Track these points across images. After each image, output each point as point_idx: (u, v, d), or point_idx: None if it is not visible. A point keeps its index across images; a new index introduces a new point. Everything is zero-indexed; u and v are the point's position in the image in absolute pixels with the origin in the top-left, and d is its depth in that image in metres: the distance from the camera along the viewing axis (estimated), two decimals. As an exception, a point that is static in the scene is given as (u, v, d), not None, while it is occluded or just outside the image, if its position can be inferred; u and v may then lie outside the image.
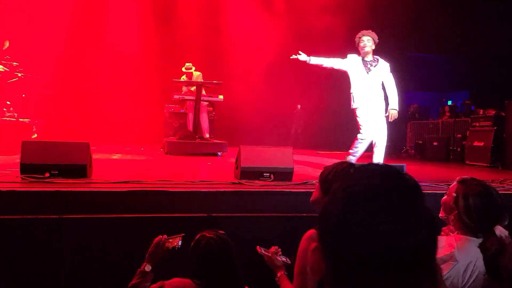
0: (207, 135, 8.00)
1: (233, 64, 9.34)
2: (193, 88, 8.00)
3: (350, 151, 5.24)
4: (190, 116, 7.87)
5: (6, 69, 7.13)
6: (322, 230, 0.78)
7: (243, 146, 4.36)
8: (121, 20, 9.24)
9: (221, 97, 7.74)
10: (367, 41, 5.10)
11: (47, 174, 3.70)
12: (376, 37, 5.15)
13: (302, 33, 9.20)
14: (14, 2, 8.43)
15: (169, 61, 8.95)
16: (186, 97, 7.82)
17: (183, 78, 8.01)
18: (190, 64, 8.13)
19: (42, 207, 3.42)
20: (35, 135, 7.08)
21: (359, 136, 5.16)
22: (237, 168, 4.35)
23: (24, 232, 3.30)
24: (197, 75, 8.13)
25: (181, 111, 8.78)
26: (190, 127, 7.79)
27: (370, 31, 5.18)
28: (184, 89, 8.13)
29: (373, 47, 5.15)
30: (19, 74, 7.33)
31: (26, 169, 3.70)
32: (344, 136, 8.78)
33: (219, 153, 7.34)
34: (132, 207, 3.55)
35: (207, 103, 8.05)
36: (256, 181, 4.04)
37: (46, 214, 3.37)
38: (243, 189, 3.69)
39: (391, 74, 5.23)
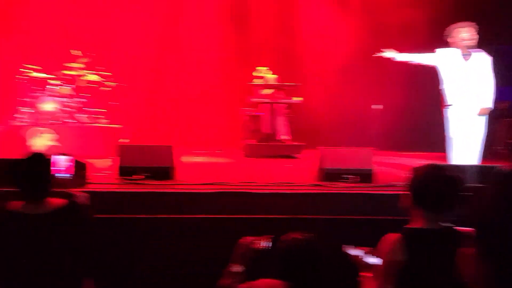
0: (286, 137, 8.07)
1: (309, 65, 9.32)
2: (269, 91, 8.12)
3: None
4: (267, 118, 8.00)
5: (102, 79, 7.78)
6: (486, 237, 0.77)
7: (324, 147, 4.36)
8: (198, 24, 9.57)
9: (299, 98, 7.78)
10: (467, 33, 4.81)
11: (141, 176, 3.98)
12: (476, 29, 4.82)
13: (379, 29, 8.95)
14: (102, 16, 9.10)
15: (245, 63, 9.15)
16: (263, 100, 7.96)
17: (258, 81, 8.16)
18: (265, 67, 8.27)
19: (138, 207, 3.69)
20: (127, 140, 7.60)
21: (450, 135, 4.89)
22: (318, 170, 4.36)
23: (123, 231, 3.56)
24: (272, 77, 8.25)
25: (257, 114, 8.93)
26: (267, 129, 7.92)
27: (469, 22, 4.85)
28: (261, 92, 8.27)
29: (474, 40, 4.83)
30: (111, 84, 7.94)
31: (123, 171, 4.01)
32: (425, 135, 8.39)
33: (297, 155, 7.38)
34: (216, 208, 3.71)
35: (284, 105, 8.13)
36: (338, 183, 4.03)
37: (141, 214, 3.64)
38: (326, 191, 3.70)
39: (490, 69, 4.89)
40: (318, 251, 2.22)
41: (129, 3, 9.33)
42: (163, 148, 4.09)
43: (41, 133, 6.91)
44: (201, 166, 6.07)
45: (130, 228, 3.60)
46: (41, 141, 6.92)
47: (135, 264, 3.55)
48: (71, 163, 2.47)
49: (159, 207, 3.65)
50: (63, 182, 2.44)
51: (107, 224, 3.43)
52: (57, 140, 6.96)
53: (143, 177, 4.03)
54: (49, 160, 2.41)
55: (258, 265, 2.55)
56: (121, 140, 7.34)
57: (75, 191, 2.44)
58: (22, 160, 2.41)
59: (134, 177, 3.97)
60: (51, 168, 2.26)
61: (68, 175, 2.50)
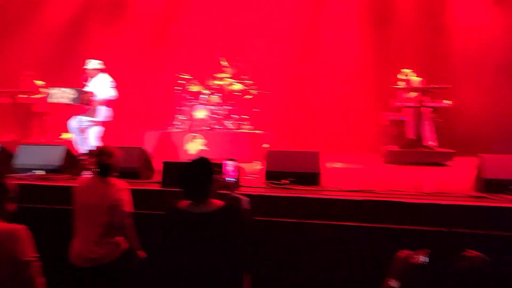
0: (432, 143, 7.53)
1: (460, 66, 8.54)
2: (413, 94, 7.67)
3: None
4: (411, 123, 7.56)
5: (245, 87, 8.23)
6: None
7: (485, 154, 3.94)
8: (338, 26, 9.47)
9: (448, 102, 7.20)
10: None
11: (287, 181, 4.07)
12: None
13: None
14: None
15: (386, 66, 8.79)
16: (407, 104, 7.55)
17: (402, 84, 7.76)
18: (409, 70, 7.83)
19: (284, 211, 3.78)
20: (267, 145, 7.89)
21: None
22: (476, 179, 3.96)
23: (269, 234, 3.67)
24: (416, 80, 7.78)
25: (401, 118, 8.49)
26: (412, 135, 7.49)
27: None
28: (405, 95, 7.86)
29: None
30: (254, 91, 8.34)
31: (270, 175, 4.16)
32: None
33: (446, 163, 6.82)
34: (364, 217, 3.60)
35: (430, 109, 7.60)
36: (503, 195, 3.59)
37: (287, 218, 3.72)
38: (489, 204, 3.33)
39: None
40: (491, 272, 1.99)
41: (269, 12, 9.69)
42: (310, 154, 4.13)
43: (194, 138, 7.58)
44: (343, 172, 5.98)
45: (276, 231, 3.69)
46: (194, 146, 7.59)
47: (280, 266, 3.64)
48: (235, 168, 2.63)
49: (305, 213, 3.68)
50: (229, 185, 2.62)
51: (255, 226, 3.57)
52: (207, 145, 7.55)
53: (288, 182, 4.12)
54: (211, 164, 2.60)
55: (415, 281, 2.39)
56: (264, 146, 7.65)
57: (239, 194, 2.60)
58: (187, 163, 2.64)
59: (282, 181, 4.07)
60: (222, 172, 2.44)
61: (233, 179, 2.67)
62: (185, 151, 7.57)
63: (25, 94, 8.48)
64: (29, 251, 1.91)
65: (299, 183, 4.05)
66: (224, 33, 9.50)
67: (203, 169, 2.58)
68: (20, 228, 1.93)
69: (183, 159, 7.00)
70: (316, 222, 3.63)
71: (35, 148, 4.90)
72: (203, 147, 7.55)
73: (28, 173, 4.30)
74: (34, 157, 4.63)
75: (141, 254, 3.26)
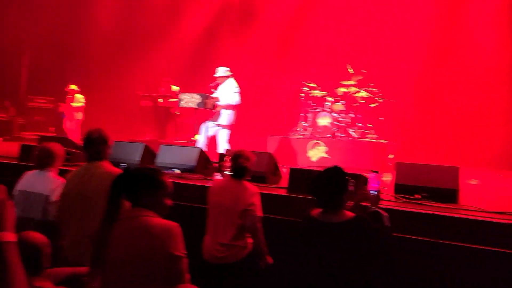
0: None
1: None
2: None
3: None
4: None
5: (370, 95, 7.98)
6: None
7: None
8: (473, 32, 8.70)
9: None
10: None
11: (419, 196, 3.83)
12: None
13: None
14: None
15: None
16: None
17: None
18: None
19: (414, 228, 3.55)
20: (392, 156, 7.55)
21: None
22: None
23: (397, 250, 3.48)
24: None
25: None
26: None
27: None
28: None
29: None
30: (380, 99, 8.05)
31: (399, 189, 3.95)
32: None
33: None
34: (507, 242, 3.23)
35: None
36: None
37: (418, 235, 3.49)
38: None
39: None
40: None
41: (395, 19, 9.28)
42: (448, 169, 3.82)
43: (317, 145, 7.56)
44: (480, 190, 5.44)
45: (405, 248, 3.49)
46: (315, 153, 7.57)
47: (408, 285, 3.43)
48: (378, 181, 2.55)
49: (440, 232, 3.41)
50: (370, 198, 2.54)
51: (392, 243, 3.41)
52: (329, 153, 7.48)
53: (420, 197, 3.87)
54: (345, 174, 2.55)
55: None
56: (389, 156, 7.33)
57: (380, 209, 2.51)
58: (321, 171, 2.62)
59: (408, 196, 3.84)
60: (370, 184, 2.39)
61: (375, 192, 2.59)
62: (307, 157, 7.59)
63: (164, 98, 9.31)
64: (181, 248, 2.05)
65: (433, 199, 3.77)
66: (350, 40, 9.36)
67: (336, 179, 2.54)
68: (174, 225, 2.09)
69: (305, 165, 7.04)
70: (452, 243, 3.34)
71: (173, 148, 5.32)
72: (325, 155, 7.50)
73: (169, 171, 4.66)
74: (172, 157, 5.01)
75: (269, 259, 3.32)
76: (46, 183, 3.29)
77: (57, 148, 3.45)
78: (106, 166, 3.01)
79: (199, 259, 3.27)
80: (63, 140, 5.19)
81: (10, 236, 1.23)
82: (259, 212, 3.24)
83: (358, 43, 9.25)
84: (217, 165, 4.90)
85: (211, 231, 3.32)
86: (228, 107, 6.72)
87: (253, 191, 3.26)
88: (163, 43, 11.02)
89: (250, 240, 3.28)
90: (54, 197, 3.15)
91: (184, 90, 8.64)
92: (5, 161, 5.57)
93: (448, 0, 9.12)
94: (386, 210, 3.69)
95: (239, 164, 3.29)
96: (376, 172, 2.58)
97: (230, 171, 3.36)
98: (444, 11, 9.06)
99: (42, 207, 3.19)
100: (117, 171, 2.99)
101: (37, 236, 2.30)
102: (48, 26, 10.68)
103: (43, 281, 2.24)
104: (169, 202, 2.22)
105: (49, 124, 10.71)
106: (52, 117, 10.72)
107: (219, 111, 6.73)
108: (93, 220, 2.88)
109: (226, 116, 6.74)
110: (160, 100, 9.43)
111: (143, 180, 2.17)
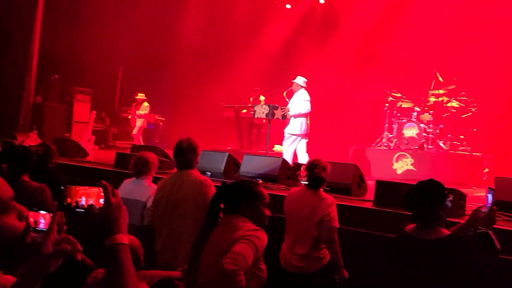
0: None
1: None
2: None
3: None
4: None
5: (462, 104, 7.49)
6: None
7: None
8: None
9: None
10: None
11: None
12: None
13: None
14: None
15: None
16: None
17: None
18: None
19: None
20: (487, 169, 7.00)
21: None
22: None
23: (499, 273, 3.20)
24: None
25: None
26: None
27: None
28: None
29: None
30: (473, 109, 7.52)
31: (500, 206, 3.62)
32: None
33: None
34: None
35: None
36: None
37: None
38: None
39: None
40: None
41: (488, 23, 8.63)
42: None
43: (403, 157, 7.23)
44: None
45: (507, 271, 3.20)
46: (401, 165, 7.24)
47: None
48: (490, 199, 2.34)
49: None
50: (482, 217, 2.33)
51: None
52: (415, 165, 7.11)
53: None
54: (443, 188, 2.39)
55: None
56: (485, 170, 6.81)
57: (491, 231, 2.31)
58: (416, 185, 2.48)
59: (509, 214, 3.51)
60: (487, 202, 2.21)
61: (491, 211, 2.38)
62: (392, 170, 7.28)
63: (246, 109, 9.50)
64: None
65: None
66: (439, 47, 8.89)
67: (432, 193, 2.39)
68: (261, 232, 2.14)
69: (389, 178, 6.75)
70: None
71: (256, 158, 5.38)
72: (411, 167, 7.15)
73: (254, 181, 4.71)
74: (255, 166, 5.08)
75: (345, 273, 3.20)
76: (143, 190, 3.46)
77: (152, 157, 3.62)
78: (196, 174, 3.11)
79: (277, 267, 3.25)
80: (154, 149, 5.47)
81: (125, 239, 1.29)
82: (336, 223, 3.14)
83: (447, 49, 8.75)
84: (297, 175, 4.87)
85: (288, 240, 3.29)
86: (299, 116, 6.70)
87: (330, 201, 3.18)
88: (247, 55, 11.26)
89: (326, 252, 3.20)
90: (149, 203, 3.31)
91: (267, 101, 8.77)
92: (103, 168, 6.00)
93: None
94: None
95: (315, 174, 3.22)
96: (493, 190, 2.36)
97: (306, 181, 3.30)
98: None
99: (140, 213, 3.35)
100: (206, 179, 3.09)
101: (132, 238, 2.43)
102: (139, 40, 11.38)
103: (138, 283, 2.35)
104: (267, 212, 2.28)
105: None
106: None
107: (289, 121, 6.77)
108: (182, 226, 3.03)
109: (297, 125, 6.73)
110: (244, 110, 9.64)
111: (243, 193, 2.28)
